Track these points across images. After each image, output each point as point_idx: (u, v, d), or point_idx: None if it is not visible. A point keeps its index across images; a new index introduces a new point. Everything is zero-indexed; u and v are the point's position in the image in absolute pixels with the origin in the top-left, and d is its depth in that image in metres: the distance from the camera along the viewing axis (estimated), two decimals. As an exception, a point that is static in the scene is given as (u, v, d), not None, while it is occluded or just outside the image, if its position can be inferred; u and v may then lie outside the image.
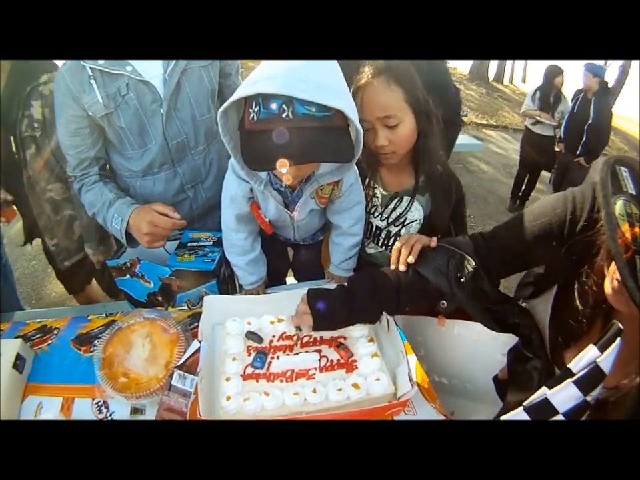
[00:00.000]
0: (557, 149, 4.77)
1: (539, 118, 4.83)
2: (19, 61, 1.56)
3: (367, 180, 1.47)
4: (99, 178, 1.47)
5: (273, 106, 0.90)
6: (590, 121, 4.34)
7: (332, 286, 1.20)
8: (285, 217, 1.33)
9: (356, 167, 1.27)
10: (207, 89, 1.46)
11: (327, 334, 1.20)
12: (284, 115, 0.90)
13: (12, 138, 1.65)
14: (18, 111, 1.60)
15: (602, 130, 4.41)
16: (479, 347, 1.25)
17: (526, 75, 17.48)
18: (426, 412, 1.10)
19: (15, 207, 1.79)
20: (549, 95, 4.85)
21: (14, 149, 1.66)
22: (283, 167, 0.98)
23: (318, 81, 0.90)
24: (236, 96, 0.94)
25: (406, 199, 1.46)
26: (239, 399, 1.01)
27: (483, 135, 8.90)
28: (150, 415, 1.08)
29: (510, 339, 1.15)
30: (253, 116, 0.94)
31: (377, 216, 1.51)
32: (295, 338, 1.19)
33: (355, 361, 1.13)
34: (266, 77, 0.91)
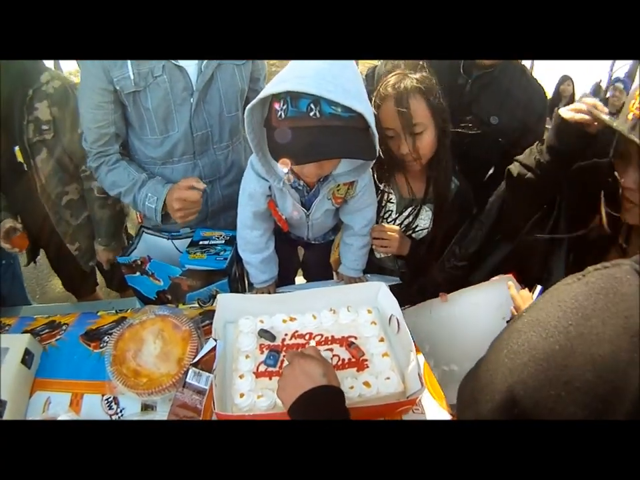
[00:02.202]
0: None
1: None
2: (9, 69, 1.49)
3: (383, 185, 1.48)
4: (120, 157, 1.46)
5: (301, 105, 0.93)
6: None
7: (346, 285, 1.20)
8: (301, 215, 1.34)
9: (370, 170, 1.28)
10: (238, 87, 1.47)
11: (338, 333, 1.20)
12: (311, 114, 0.93)
13: (16, 149, 1.59)
14: (22, 118, 1.54)
15: None
16: (480, 319, 1.30)
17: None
18: (433, 410, 1.10)
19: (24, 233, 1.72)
20: (557, 104, 4.94)
21: (20, 159, 1.61)
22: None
23: (343, 84, 0.94)
24: (265, 93, 0.97)
25: (423, 206, 1.47)
26: (253, 395, 1.01)
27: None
28: (161, 411, 1.07)
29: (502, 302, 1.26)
30: (281, 113, 0.96)
31: (390, 221, 1.52)
32: None
33: (366, 360, 1.13)
34: (295, 76, 0.94)
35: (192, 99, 1.38)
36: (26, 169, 1.63)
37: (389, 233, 1.43)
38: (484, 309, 1.32)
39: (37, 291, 3.09)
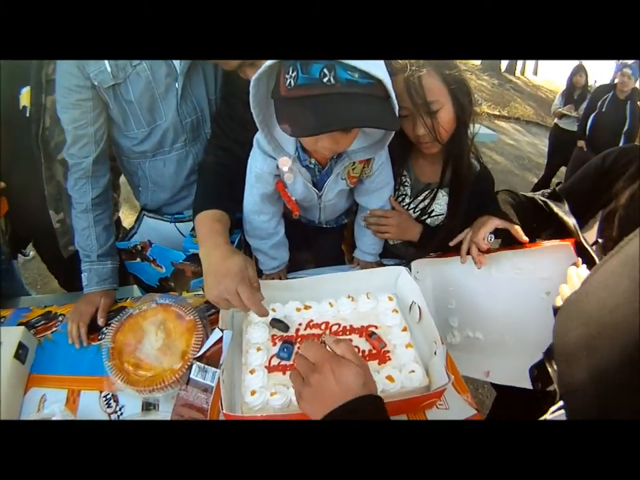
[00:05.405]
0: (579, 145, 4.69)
1: (565, 111, 5.00)
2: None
3: (397, 167, 1.38)
4: (89, 180, 1.34)
5: (314, 70, 0.85)
6: (627, 127, 4.29)
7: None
8: (313, 196, 1.25)
9: (387, 147, 1.18)
10: (213, 66, 1.36)
11: (357, 322, 1.13)
12: (325, 80, 0.84)
13: (23, 91, 1.42)
14: None
15: (636, 134, 4.39)
16: (519, 288, 1.20)
17: (538, 67, 17.35)
18: (458, 405, 1.05)
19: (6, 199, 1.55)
20: (572, 94, 5.07)
21: (26, 102, 1.44)
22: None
23: None
24: (272, 60, 0.88)
25: (440, 191, 1.39)
26: (265, 393, 0.94)
27: (495, 126, 8.82)
28: (164, 410, 1.01)
29: (551, 274, 1.13)
30: (290, 82, 0.88)
31: (404, 206, 1.43)
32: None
33: (388, 351, 1.06)
34: None
35: (177, 84, 1.28)
36: (28, 114, 1.45)
37: (383, 219, 1.36)
38: (527, 277, 1.21)
39: (38, 281, 3.03)
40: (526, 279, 1.20)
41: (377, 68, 0.87)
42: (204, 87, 1.34)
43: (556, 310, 0.92)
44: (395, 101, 0.93)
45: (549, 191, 1.33)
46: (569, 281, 1.01)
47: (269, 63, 0.90)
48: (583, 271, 1.02)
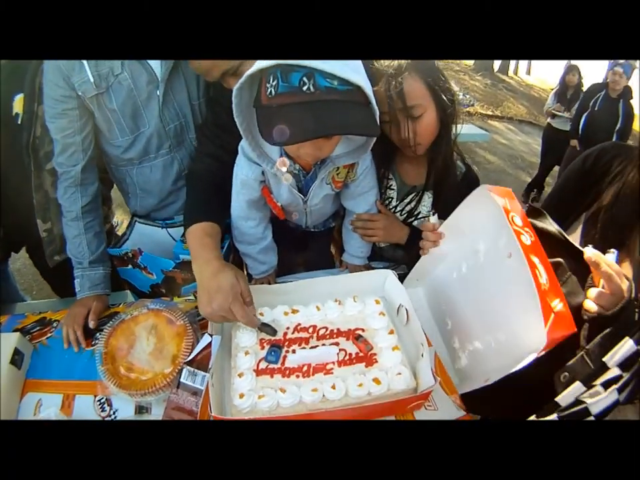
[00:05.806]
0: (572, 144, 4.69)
1: (554, 111, 5.05)
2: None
3: (383, 171, 1.40)
4: (80, 182, 1.36)
5: (293, 79, 0.86)
6: (619, 125, 4.31)
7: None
8: (298, 201, 1.26)
9: (371, 152, 1.20)
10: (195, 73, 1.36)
11: (344, 326, 1.14)
12: (305, 88, 0.86)
13: (17, 98, 1.42)
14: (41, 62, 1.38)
15: (629, 133, 4.43)
16: (488, 272, 1.08)
17: (531, 67, 17.36)
18: (446, 406, 1.06)
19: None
20: (565, 93, 5.10)
21: (18, 110, 1.44)
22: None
23: None
24: (253, 69, 0.90)
25: (425, 193, 1.41)
26: (253, 396, 0.95)
27: (488, 126, 8.81)
28: (156, 413, 1.02)
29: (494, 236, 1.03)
30: (271, 90, 0.89)
31: (391, 209, 1.45)
32: None
33: (375, 354, 1.07)
34: None
35: (158, 91, 1.30)
36: (20, 122, 1.46)
37: (370, 222, 1.38)
38: (488, 257, 1.08)
39: (33, 287, 3.02)
40: (488, 259, 1.09)
41: (355, 74, 0.88)
42: (186, 92, 1.36)
43: (590, 318, 0.83)
44: (376, 107, 0.95)
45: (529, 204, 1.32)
46: (609, 278, 0.82)
47: (249, 72, 0.91)
48: (611, 262, 0.85)
